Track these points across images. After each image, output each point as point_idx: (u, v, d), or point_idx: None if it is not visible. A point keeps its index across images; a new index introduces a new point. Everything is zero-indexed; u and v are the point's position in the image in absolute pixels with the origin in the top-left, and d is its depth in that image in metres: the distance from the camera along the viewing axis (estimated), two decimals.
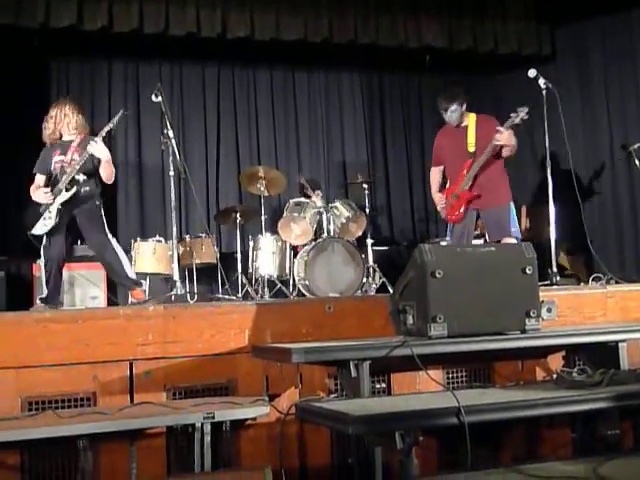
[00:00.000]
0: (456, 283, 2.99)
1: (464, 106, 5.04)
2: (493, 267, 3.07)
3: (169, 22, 6.47)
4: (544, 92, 4.90)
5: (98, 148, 4.56)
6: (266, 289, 5.99)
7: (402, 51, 7.32)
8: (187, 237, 6.21)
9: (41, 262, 4.72)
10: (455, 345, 2.99)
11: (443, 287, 2.96)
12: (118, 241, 7.08)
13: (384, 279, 5.43)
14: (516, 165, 8.18)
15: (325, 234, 6.15)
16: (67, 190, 4.58)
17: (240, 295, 5.71)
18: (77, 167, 4.58)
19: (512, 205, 5.02)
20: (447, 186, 5.12)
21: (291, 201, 6.45)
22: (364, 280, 5.85)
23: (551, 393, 2.82)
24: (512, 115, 4.83)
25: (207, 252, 6.13)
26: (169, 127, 4.40)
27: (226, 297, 5.12)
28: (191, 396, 3.17)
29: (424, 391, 3.29)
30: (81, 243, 6.49)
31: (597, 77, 7.49)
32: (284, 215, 6.35)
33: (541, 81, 4.90)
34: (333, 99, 8.17)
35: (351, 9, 7.00)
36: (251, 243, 6.33)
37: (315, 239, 6.14)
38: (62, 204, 4.58)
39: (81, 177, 4.62)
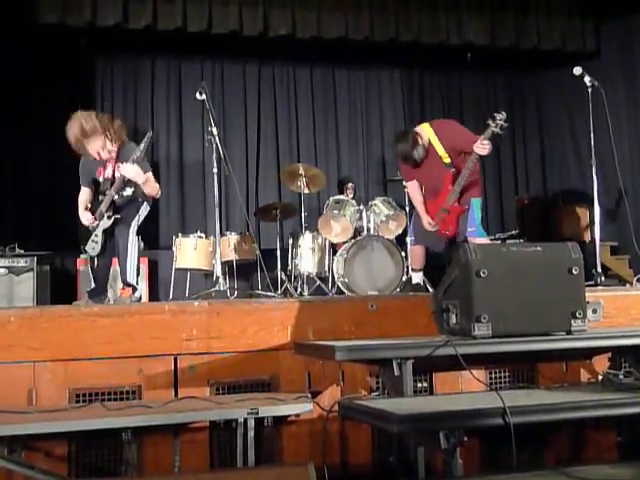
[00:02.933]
0: (501, 283, 2.96)
1: (418, 139, 4.73)
2: (538, 267, 3.03)
3: (212, 21, 6.54)
4: (589, 90, 4.82)
5: (129, 172, 4.25)
6: (305, 286, 6.01)
7: (443, 48, 7.26)
8: (228, 233, 6.26)
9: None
10: (499, 345, 2.96)
11: (487, 286, 2.93)
12: (159, 237, 7.29)
13: (424, 277, 5.40)
14: (558, 164, 8.12)
15: (365, 232, 6.15)
16: (109, 218, 4.38)
17: (279, 292, 5.74)
18: (114, 192, 4.32)
19: (480, 203, 4.82)
20: (429, 200, 4.89)
21: (331, 199, 6.47)
22: (403, 278, 5.83)
23: (598, 395, 2.78)
24: (490, 124, 4.52)
25: (247, 248, 6.18)
26: (213, 125, 4.43)
27: (266, 294, 5.15)
28: (234, 391, 3.20)
29: (466, 391, 3.27)
30: None
31: None
32: (324, 213, 6.37)
33: (587, 79, 4.81)
34: (373, 97, 8.15)
35: (392, 7, 6.98)
36: (290, 240, 6.37)
37: (355, 237, 6.14)
38: (105, 229, 4.38)
39: (128, 192, 4.38)
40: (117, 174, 4.27)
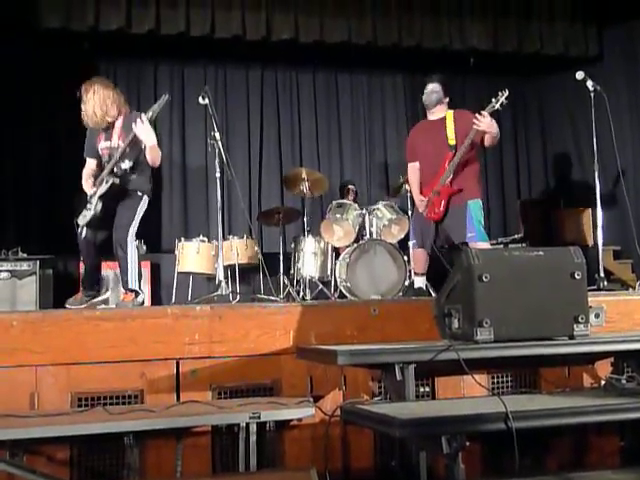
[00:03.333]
0: (503, 287, 2.96)
1: (447, 98, 4.91)
2: (541, 271, 3.03)
3: (215, 25, 6.55)
4: (592, 94, 4.82)
5: (144, 130, 4.19)
6: (307, 290, 6.01)
7: (446, 53, 7.27)
8: (230, 237, 6.26)
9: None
10: (502, 350, 2.96)
11: (490, 291, 2.93)
12: (161, 241, 7.30)
13: (427, 282, 5.39)
14: (560, 168, 8.12)
15: (367, 236, 6.15)
16: (106, 182, 4.29)
17: (282, 296, 5.74)
18: (119, 154, 4.27)
19: (478, 205, 4.77)
20: (425, 184, 4.89)
21: (333, 202, 6.47)
22: (406, 282, 5.82)
23: (601, 400, 2.77)
24: (492, 100, 4.61)
25: (250, 252, 6.19)
26: (216, 129, 4.43)
27: (268, 298, 5.15)
28: (236, 396, 3.20)
29: (468, 395, 3.27)
30: None
31: None
32: (326, 217, 6.37)
33: (589, 83, 4.82)
34: (376, 101, 8.16)
35: (395, 11, 6.98)
36: (293, 244, 6.37)
37: (357, 241, 6.14)
38: (101, 195, 4.28)
39: (127, 164, 4.31)
40: (129, 136, 4.24)
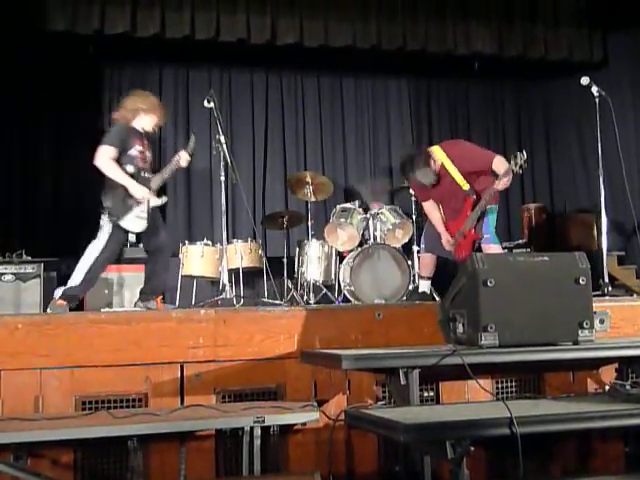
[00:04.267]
0: (508, 292, 2.96)
1: (430, 163, 4.74)
2: (546, 277, 3.03)
3: (220, 29, 6.57)
4: (597, 100, 4.81)
5: (185, 161, 4.76)
6: (311, 294, 6.01)
7: (450, 57, 7.27)
8: (235, 241, 6.26)
9: (92, 247, 4.49)
10: (506, 355, 2.96)
11: (495, 296, 2.94)
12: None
13: (432, 286, 5.39)
14: (565, 173, 8.11)
15: (371, 240, 6.15)
16: (158, 196, 4.56)
17: (286, 300, 5.74)
18: (167, 175, 4.66)
19: (495, 210, 4.81)
20: (449, 220, 4.87)
21: (338, 207, 6.47)
22: (409, 287, 5.82)
23: (605, 406, 2.77)
24: (511, 162, 4.47)
25: (254, 256, 6.19)
26: (221, 133, 4.44)
27: (272, 302, 5.15)
28: (240, 400, 3.20)
29: (473, 400, 3.26)
30: (130, 246, 6.64)
31: None
32: (331, 221, 6.37)
33: (594, 89, 4.81)
34: (380, 105, 8.16)
35: (400, 15, 6.99)
36: (297, 248, 6.37)
37: (361, 245, 6.14)
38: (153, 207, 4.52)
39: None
40: (173, 165, 4.65)
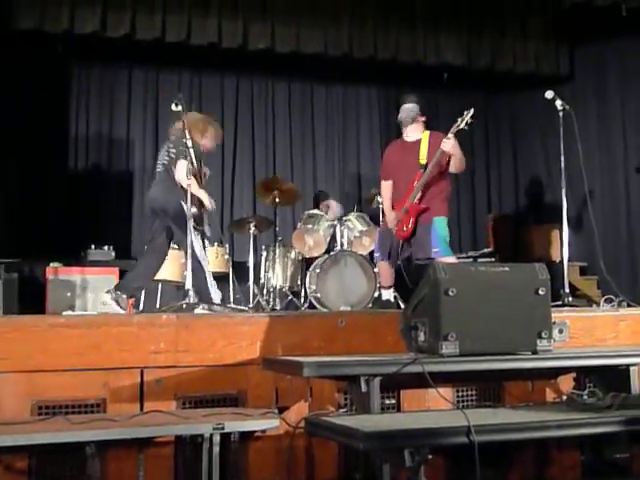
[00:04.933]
0: (469, 302, 2.99)
1: (423, 117, 5.01)
2: (506, 287, 3.07)
3: (191, 32, 6.55)
4: (561, 114, 4.90)
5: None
6: (277, 300, 6.00)
7: (420, 67, 7.35)
8: None
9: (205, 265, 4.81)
10: (466, 364, 2.98)
11: (456, 305, 2.96)
12: (131, 247, 7.24)
13: (396, 294, 5.42)
14: (530, 184, 8.23)
15: (338, 247, 6.16)
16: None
17: (251, 305, 5.72)
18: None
19: (444, 222, 4.82)
20: (396, 202, 4.96)
21: (305, 213, 6.48)
22: (375, 294, 5.84)
23: (562, 415, 2.81)
24: (458, 119, 4.71)
25: (220, 261, 6.15)
26: (187, 137, 4.41)
27: (237, 307, 5.12)
28: (201, 406, 3.17)
29: (434, 409, 3.28)
30: (95, 248, 6.57)
31: (614, 98, 7.50)
32: (298, 227, 6.38)
33: (558, 102, 4.89)
34: (350, 113, 8.21)
35: (371, 24, 7.05)
36: (264, 253, 6.35)
37: (328, 252, 6.15)
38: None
39: None
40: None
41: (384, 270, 5.13)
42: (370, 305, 5.77)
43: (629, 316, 3.89)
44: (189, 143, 4.41)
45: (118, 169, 7.47)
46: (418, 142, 4.92)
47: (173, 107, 4.49)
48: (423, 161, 4.81)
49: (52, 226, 6.88)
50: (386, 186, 5.11)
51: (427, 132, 4.97)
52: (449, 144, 4.65)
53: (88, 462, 2.85)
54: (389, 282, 5.13)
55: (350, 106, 8.20)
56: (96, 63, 7.42)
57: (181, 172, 4.55)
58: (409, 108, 4.98)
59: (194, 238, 4.55)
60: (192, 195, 4.46)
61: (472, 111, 4.65)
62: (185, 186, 4.44)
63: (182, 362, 3.17)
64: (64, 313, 4.77)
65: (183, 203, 4.50)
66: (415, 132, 4.98)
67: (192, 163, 4.47)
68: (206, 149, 5.09)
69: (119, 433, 2.78)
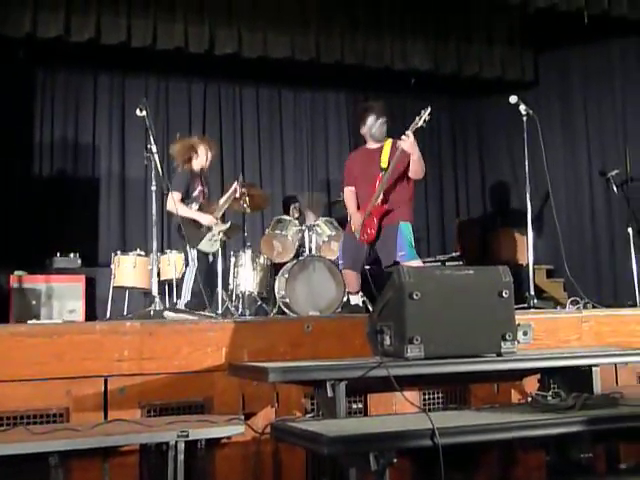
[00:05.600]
0: (433, 305, 3.01)
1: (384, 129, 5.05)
2: (470, 290, 3.09)
3: (157, 36, 6.49)
4: (524, 118, 4.97)
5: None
6: (246, 306, 5.97)
7: (388, 72, 7.39)
8: (168, 252, 6.17)
9: (189, 272, 5.46)
10: (431, 367, 3.00)
11: (420, 309, 2.98)
12: (98, 254, 7.16)
13: (364, 298, 5.43)
14: (497, 188, 8.33)
15: (307, 252, 6.16)
16: (224, 222, 5.68)
17: (220, 311, 5.67)
18: (226, 205, 5.72)
19: (409, 227, 4.87)
20: (360, 207, 4.97)
21: (274, 218, 6.46)
22: (344, 299, 5.85)
23: (525, 416, 2.83)
24: (416, 118, 4.76)
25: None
26: (152, 142, 4.38)
27: (204, 313, 5.09)
28: (166, 414, 3.14)
29: (401, 412, 3.29)
30: (60, 255, 6.48)
31: (577, 104, 7.63)
32: (266, 232, 6.36)
33: (522, 107, 4.97)
34: (318, 118, 8.22)
35: (339, 30, 7.07)
36: (232, 259, 6.32)
37: (296, 257, 6.15)
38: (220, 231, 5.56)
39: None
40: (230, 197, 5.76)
41: (349, 277, 5.14)
42: (339, 310, 5.78)
43: (592, 317, 3.95)
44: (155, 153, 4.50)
45: (84, 175, 7.37)
46: (380, 149, 4.96)
47: (138, 112, 4.46)
48: (384, 165, 4.84)
49: (16, 233, 6.76)
50: (349, 191, 5.13)
51: (390, 140, 4.99)
52: (408, 142, 4.64)
53: (52, 473, 2.79)
54: (356, 288, 5.15)
55: (318, 111, 8.22)
56: (61, 68, 7.32)
57: (169, 204, 5.28)
58: (382, 122, 5.02)
59: (192, 257, 5.44)
60: (187, 219, 5.32)
61: (429, 109, 4.71)
62: (175, 213, 5.17)
63: (147, 370, 3.13)
64: (29, 322, 4.70)
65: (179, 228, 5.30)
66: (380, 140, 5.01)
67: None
68: (204, 167, 5.70)
69: (82, 443, 2.73)
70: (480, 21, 7.56)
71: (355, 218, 4.97)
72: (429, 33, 7.41)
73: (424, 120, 4.71)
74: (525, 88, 7.41)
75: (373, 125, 4.99)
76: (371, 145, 5.06)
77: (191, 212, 5.49)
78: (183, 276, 5.59)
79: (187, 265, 5.54)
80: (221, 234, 5.59)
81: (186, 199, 5.53)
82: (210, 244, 5.53)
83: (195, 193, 5.58)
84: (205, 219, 5.52)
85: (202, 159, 5.67)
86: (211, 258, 5.60)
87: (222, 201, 5.74)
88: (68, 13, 6.21)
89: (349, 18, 7.12)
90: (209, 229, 5.53)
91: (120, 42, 6.43)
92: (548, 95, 7.76)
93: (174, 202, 5.08)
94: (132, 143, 7.34)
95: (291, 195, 7.53)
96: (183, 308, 4.80)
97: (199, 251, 5.50)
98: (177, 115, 7.70)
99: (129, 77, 7.57)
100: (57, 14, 6.16)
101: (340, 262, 5.22)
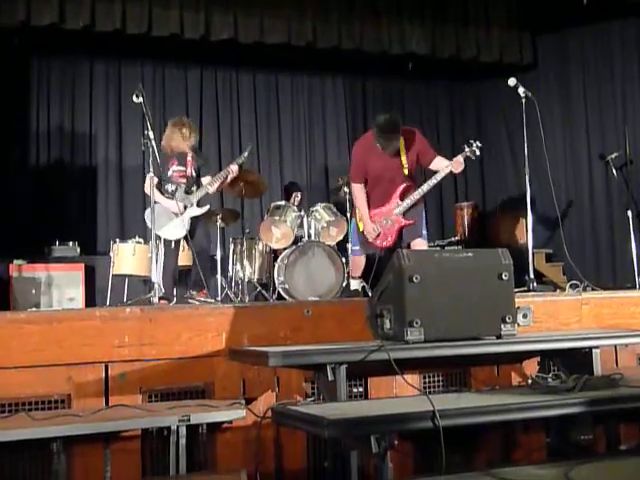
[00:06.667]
0: (433, 288, 3.00)
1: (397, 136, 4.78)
2: (470, 272, 3.08)
3: (152, 23, 6.45)
4: (523, 101, 4.94)
5: (235, 171, 5.45)
6: (246, 292, 5.97)
7: (385, 57, 7.35)
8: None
9: (159, 262, 5.11)
10: (431, 350, 3.00)
11: (420, 292, 2.97)
12: (96, 242, 7.15)
13: (364, 283, 5.43)
14: (496, 172, 8.31)
15: (306, 238, 6.15)
16: (199, 206, 5.27)
17: (219, 298, 5.68)
18: (210, 189, 5.30)
19: (423, 211, 5.01)
20: (371, 206, 4.84)
21: (272, 204, 6.45)
22: (344, 284, 5.85)
23: (525, 398, 2.84)
24: (467, 148, 4.94)
25: (187, 254, 6.08)
26: (150, 128, 4.37)
27: (204, 300, 5.10)
28: (167, 399, 3.15)
29: (401, 395, 3.30)
30: (59, 244, 6.47)
31: (576, 86, 7.60)
32: (265, 218, 6.35)
33: (520, 90, 4.94)
34: (316, 103, 8.19)
35: (335, 14, 7.03)
36: (231, 246, 6.31)
37: (295, 243, 6.14)
38: (192, 217, 5.23)
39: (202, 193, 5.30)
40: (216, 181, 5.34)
41: (358, 263, 5.14)
42: (338, 295, 5.78)
43: (592, 300, 3.95)
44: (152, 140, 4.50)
45: (81, 163, 7.35)
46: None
47: (134, 99, 4.44)
48: (406, 171, 4.78)
49: (14, 223, 6.75)
50: (359, 188, 4.85)
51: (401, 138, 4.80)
52: (459, 168, 4.91)
53: (54, 459, 2.81)
54: (359, 273, 5.16)
55: (316, 96, 8.18)
56: (56, 56, 7.27)
57: (145, 186, 5.14)
58: (397, 140, 4.72)
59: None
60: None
61: (480, 144, 5.01)
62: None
63: (147, 355, 3.14)
64: (28, 310, 4.71)
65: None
66: None
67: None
68: (182, 147, 5.37)
69: (84, 428, 2.74)
70: (478, 4, 7.51)
71: (368, 225, 4.82)
72: (427, 17, 7.37)
73: (473, 153, 4.99)
74: (524, 71, 7.37)
75: (394, 144, 4.71)
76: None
77: (158, 196, 5.11)
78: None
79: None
80: (219, 220, 5.49)
81: (163, 180, 5.28)
82: (173, 231, 5.20)
83: (169, 173, 5.29)
84: (172, 205, 5.18)
85: (178, 140, 5.35)
86: (167, 245, 5.27)
87: (206, 181, 5.35)
88: (62, 1, 6.17)
89: (346, 2, 7.08)
90: (176, 215, 5.18)
91: (115, 29, 6.39)
92: (547, 78, 7.72)
93: (147, 185, 4.92)
94: (129, 130, 7.32)
95: (293, 182, 7.52)
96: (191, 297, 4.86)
97: (161, 238, 5.18)
98: (174, 101, 7.66)
99: (125, 64, 7.53)
100: (51, 1, 6.12)
101: (354, 248, 5.15)
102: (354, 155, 4.93)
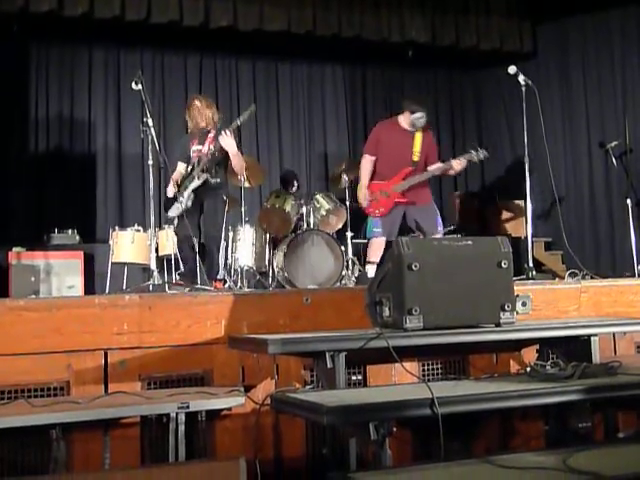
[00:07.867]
0: (432, 276, 3.01)
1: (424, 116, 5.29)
2: (469, 260, 3.09)
3: (151, 10, 6.43)
4: (523, 89, 4.92)
5: (227, 140, 4.95)
6: (245, 280, 5.97)
7: (385, 45, 7.32)
8: (166, 227, 6.15)
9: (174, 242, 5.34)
10: (430, 337, 3.01)
11: (419, 280, 2.98)
12: (96, 230, 7.14)
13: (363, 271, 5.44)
14: (495, 161, 8.30)
15: (305, 226, 6.14)
16: (198, 178, 5.03)
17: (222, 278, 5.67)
18: (209, 157, 5.04)
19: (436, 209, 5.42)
20: (375, 179, 5.28)
21: (271, 192, 6.43)
22: (343, 272, 5.85)
23: (524, 385, 2.84)
24: (472, 152, 5.23)
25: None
26: (149, 116, 4.35)
27: (203, 287, 5.09)
28: (166, 386, 3.15)
29: (400, 383, 3.31)
30: (58, 232, 6.46)
31: (576, 75, 7.58)
32: (264, 206, 6.34)
33: (520, 78, 4.92)
34: (316, 91, 8.16)
35: (335, 2, 7.01)
36: (230, 234, 6.30)
37: (295, 231, 6.13)
38: (193, 190, 5.05)
39: (213, 167, 5.07)
40: (216, 144, 4.99)
41: (379, 245, 5.27)
42: (338, 283, 5.78)
43: (591, 288, 3.96)
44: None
45: (80, 150, 7.32)
46: (413, 134, 5.23)
47: (133, 86, 4.44)
48: (416, 158, 5.18)
49: (13, 210, 6.75)
50: (369, 160, 5.30)
51: (421, 131, 5.27)
52: (459, 168, 5.30)
53: (53, 446, 2.82)
54: (378, 257, 5.24)
55: (315, 84, 8.15)
56: (55, 42, 7.24)
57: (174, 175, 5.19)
58: (424, 116, 5.25)
59: None
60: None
61: (487, 153, 5.30)
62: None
63: (146, 343, 3.14)
64: (28, 298, 4.70)
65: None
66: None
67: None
68: (200, 124, 5.24)
69: (83, 415, 2.75)
70: None
71: (361, 191, 5.24)
72: (427, 4, 7.35)
73: (479, 159, 5.29)
74: (524, 59, 7.35)
75: (420, 118, 5.21)
76: (403, 124, 5.27)
77: (172, 180, 5.21)
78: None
79: None
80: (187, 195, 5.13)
81: (185, 159, 5.28)
82: (176, 207, 5.16)
83: (190, 153, 5.22)
84: (169, 190, 5.25)
85: (194, 114, 5.23)
86: (176, 222, 5.28)
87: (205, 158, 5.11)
88: None
89: None
90: (181, 192, 5.14)
91: (114, 16, 6.36)
92: (547, 66, 7.69)
93: (177, 173, 5.06)
94: (128, 117, 7.29)
95: (292, 170, 7.50)
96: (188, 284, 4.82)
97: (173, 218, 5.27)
98: (173, 89, 7.63)
99: (124, 51, 7.49)
100: None
101: (375, 230, 5.34)
102: (374, 129, 5.44)
